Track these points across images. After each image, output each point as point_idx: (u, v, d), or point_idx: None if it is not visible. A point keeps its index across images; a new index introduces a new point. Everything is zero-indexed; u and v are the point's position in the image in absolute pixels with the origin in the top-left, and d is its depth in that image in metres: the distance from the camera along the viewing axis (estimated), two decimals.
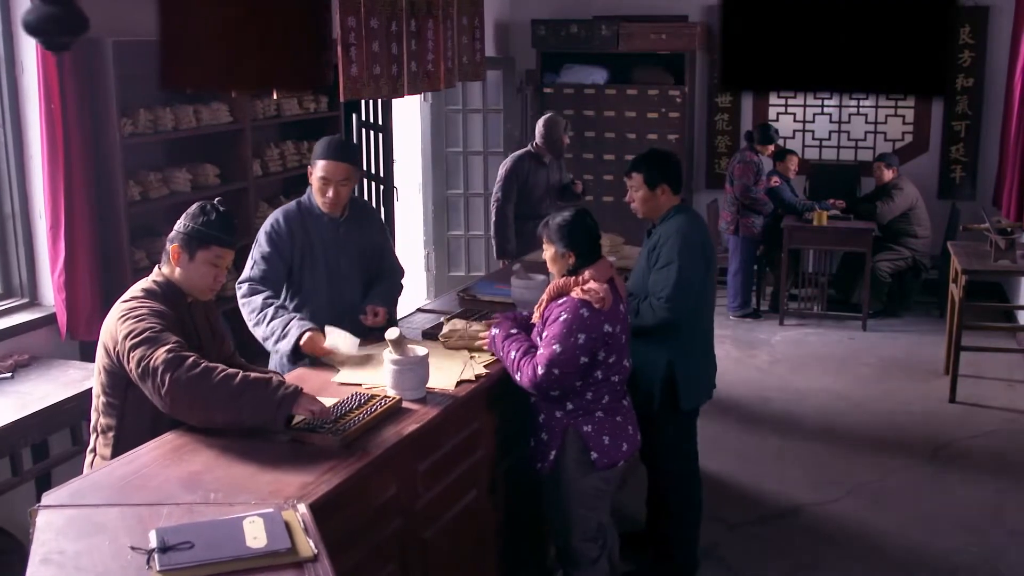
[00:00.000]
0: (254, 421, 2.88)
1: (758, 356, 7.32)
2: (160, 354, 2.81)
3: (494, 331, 3.50)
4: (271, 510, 2.45)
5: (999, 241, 6.22)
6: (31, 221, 4.45)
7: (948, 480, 5.26)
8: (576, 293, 3.33)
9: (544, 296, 3.44)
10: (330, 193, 3.88)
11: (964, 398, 6.33)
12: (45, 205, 4.25)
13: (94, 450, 3.18)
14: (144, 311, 2.95)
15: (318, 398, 3.03)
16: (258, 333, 3.74)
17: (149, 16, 3.26)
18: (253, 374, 2.94)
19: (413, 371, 3.24)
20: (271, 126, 5.68)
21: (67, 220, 4.22)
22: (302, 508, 2.50)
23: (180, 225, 3.11)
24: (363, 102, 6.81)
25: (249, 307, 3.77)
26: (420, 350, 3.31)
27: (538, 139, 6.61)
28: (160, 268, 3.16)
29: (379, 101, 6.53)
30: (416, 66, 3.97)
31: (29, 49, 4.17)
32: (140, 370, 2.84)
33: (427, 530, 3.22)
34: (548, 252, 3.48)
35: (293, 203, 4.02)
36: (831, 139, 8.94)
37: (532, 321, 3.48)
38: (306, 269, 3.95)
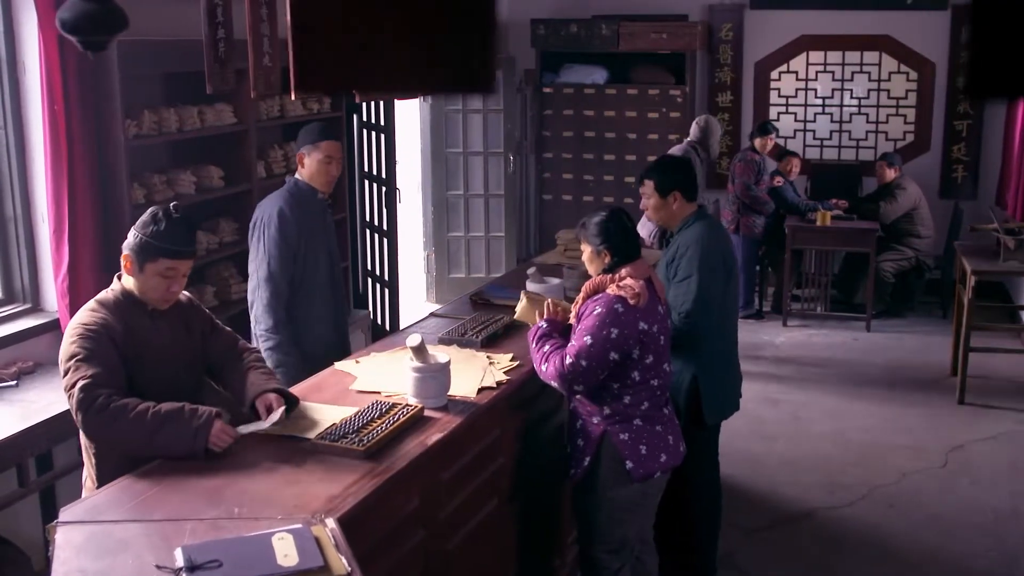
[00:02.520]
0: (171, 454, 2.76)
1: (764, 358, 7.27)
2: (75, 391, 2.78)
3: (542, 324, 3.39)
4: (300, 526, 2.37)
5: (1008, 241, 6.18)
6: (33, 224, 4.34)
7: (962, 483, 5.21)
8: (612, 289, 3.24)
9: (580, 294, 3.36)
10: (334, 171, 4.08)
11: (973, 399, 6.28)
12: (48, 208, 4.15)
13: (88, 474, 3.08)
14: (81, 331, 2.87)
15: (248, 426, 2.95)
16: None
17: (154, 16, 3.15)
18: (165, 406, 2.79)
19: (435, 379, 3.16)
20: (274, 127, 5.59)
21: (71, 224, 4.12)
22: (331, 523, 2.42)
23: (132, 233, 2.96)
24: (364, 103, 6.72)
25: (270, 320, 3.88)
26: (441, 357, 3.23)
27: (695, 135, 7.16)
28: (119, 279, 3.03)
29: (381, 102, 6.45)
30: None
31: (31, 49, 4.07)
32: (67, 398, 2.85)
33: (450, 541, 3.14)
34: (585, 252, 3.39)
35: (284, 193, 4.02)
36: (832, 139, 8.90)
37: (570, 321, 3.40)
38: (309, 254, 4.02)
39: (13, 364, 4.06)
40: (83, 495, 3.06)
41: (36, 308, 4.39)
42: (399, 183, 7.06)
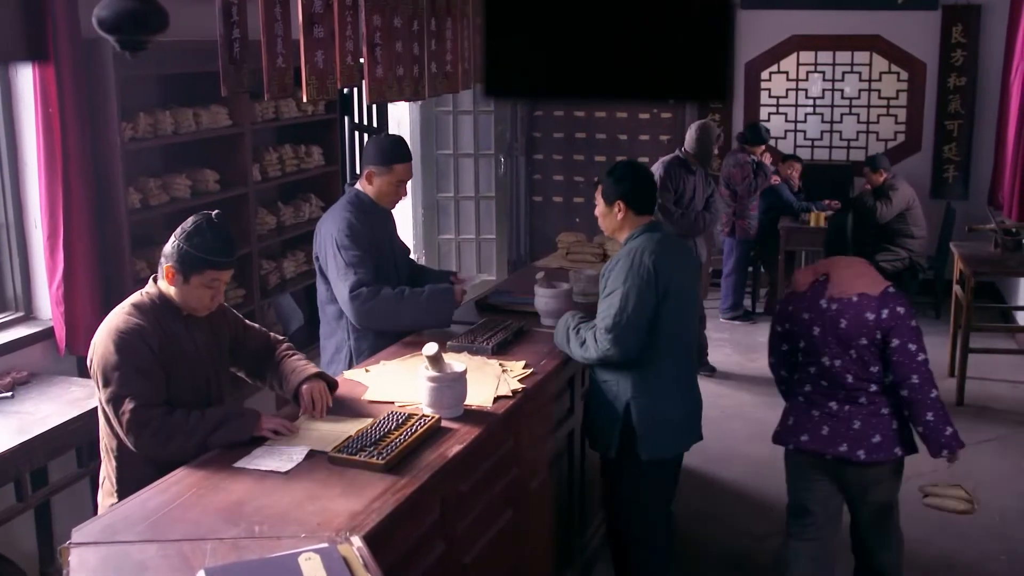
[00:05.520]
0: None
1: (759, 360, 7.19)
2: (127, 409, 2.80)
3: None
4: (326, 545, 2.28)
5: (1006, 242, 6.17)
6: (26, 230, 4.22)
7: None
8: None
9: None
10: (403, 193, 4.04)
11: (972, 401, 6.26)
12: (42, 214, 4.03)
13: (107, 475, 3.02)
14: (119, 339, 2.85)
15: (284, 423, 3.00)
16: (407, 321, 3.87)
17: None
18: (211, 415, 2.88)
19: (452, 388, 3.08)
20: (269, 130, 5.48)
21: (66, 230, 4.00)
22: (357, 541, 2.33)
23: (174, 243, 2.93)
24: (356, 104, 6.63)
25: (383, 304, 3.77)
26: (457, 366, 3.15)
27: (688, 145, 6.57)
28: (155, 281, 3.01)
29: (374, 104, 6.36)
30: (436, 67, 3.80)
31: None
32: (111, 411, 2.85)
33: (467, 554, 3.05)
34: None
35: (346, 204, 3.92)
36: (823, 139, 8.88)
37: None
38: (380, 264, 3.93)
39: (7, 375, 3.94)
40: (99, 497, 3.07)
41: (29, 316, 4.27)
42: None
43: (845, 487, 3.62)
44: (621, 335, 3.37)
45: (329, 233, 3.85)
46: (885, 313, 3.40)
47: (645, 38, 0.68)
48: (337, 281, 3.80)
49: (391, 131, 7.35)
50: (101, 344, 2.88)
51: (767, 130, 8.04)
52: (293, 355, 3.24)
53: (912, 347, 3.40)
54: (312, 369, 3.16)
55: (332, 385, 3.18)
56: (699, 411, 3.72)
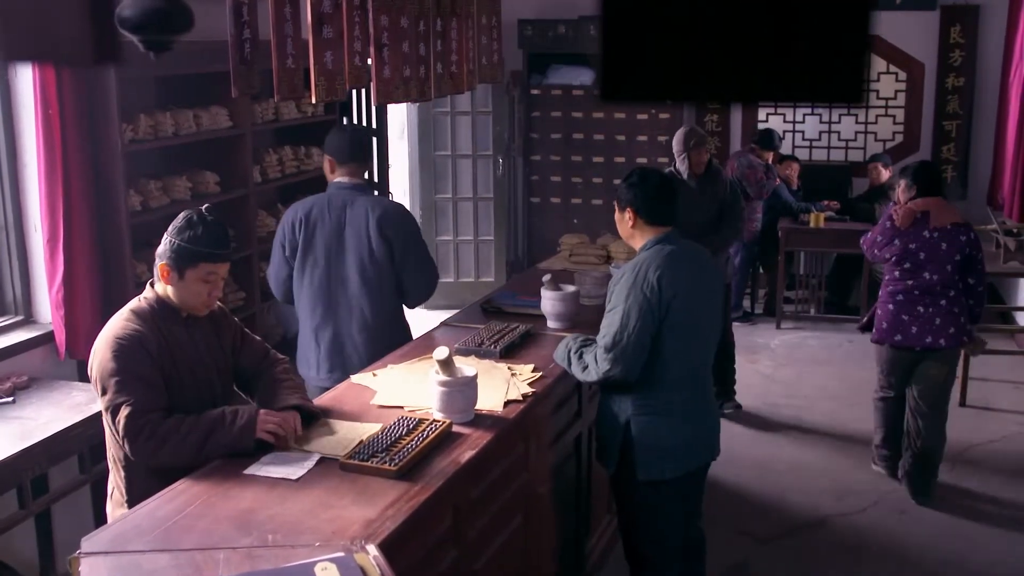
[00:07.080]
0: (220, 456, 2.81)
1: (760, 361, 7.20)
2: (122, 417, 2.76)
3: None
4: (342, 554, 2.24)
5: (1008, 243, 6.15)
6: (25, 233, 4.18)
7: (973, 487, 5.15)
8: (893, 210, 4.91)
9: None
10: None
11: (973, 401, 6.25)
12: (42, 217, 3.99)
13: (116, 485, 2.98)
14: (117, 346, 2.81)
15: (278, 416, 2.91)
16: None
17: None
18: (206, 417, 2.81)
19: (463, 393, 3.04)
20: (268, 131, 5.44)
21: (66, 232, 3.96)
22: (372, 550, 2.30)
23: (166, 240, 2.90)
24: (354, 104, 6.59)
25: None
26: (468, 370, 3.11)
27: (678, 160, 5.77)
28: (152, 285, 2.97)
29: (371, 104, 6.32)
30: (442, 68, 3.76)
31: None
32: (109, 419, 2.82)
33: (478, 561, 3.02)
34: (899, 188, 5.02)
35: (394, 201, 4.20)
36: (821, 140, 8.85)
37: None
38: None
39: (7, 379, 3.88)
40: (108, 507, 3.02)
41: (29, 320, 4.23)
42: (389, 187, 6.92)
43: (923, 368, 4.90)
44: (621, 355, 3.20)
45: (412, 227, 4.03)
46: (973, 235, 4.83)
47: (780, 38, 0.65)
48: (427, 264, 4.01)
49: (391, 133, 7.31)
50: (99, 352, 2.84)
51: (779, 136, 8.00)
52: (286, 380, 3.11)
53: (982, 257, 4.87)
54: (292, 401, 3.00)
55: (313, 416, 3.03)
56: (710, 433, 3.48)
